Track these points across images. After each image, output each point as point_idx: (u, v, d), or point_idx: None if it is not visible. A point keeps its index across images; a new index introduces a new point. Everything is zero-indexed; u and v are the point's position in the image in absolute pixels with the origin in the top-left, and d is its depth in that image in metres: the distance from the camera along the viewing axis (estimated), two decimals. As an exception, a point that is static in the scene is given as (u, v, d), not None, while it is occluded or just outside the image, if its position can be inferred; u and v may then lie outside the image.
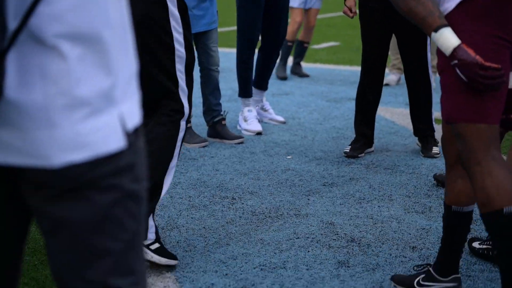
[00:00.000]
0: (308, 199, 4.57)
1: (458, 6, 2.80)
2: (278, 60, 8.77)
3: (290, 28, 8.57)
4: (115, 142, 1.54)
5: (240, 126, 6.32)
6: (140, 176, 1.61)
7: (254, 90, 6.54)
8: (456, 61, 2.73)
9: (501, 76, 2.73)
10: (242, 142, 5.90)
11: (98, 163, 1.53)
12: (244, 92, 6.37)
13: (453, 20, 2.80)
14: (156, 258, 3.56)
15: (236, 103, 7.10)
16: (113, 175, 1.55)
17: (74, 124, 1.50)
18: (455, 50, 2.72)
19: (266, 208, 4.42)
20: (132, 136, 1.58)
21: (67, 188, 1.53)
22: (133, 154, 1.58)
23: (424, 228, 4.07)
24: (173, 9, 3.49)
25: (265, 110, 6.61)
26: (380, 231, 4.04)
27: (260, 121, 6.49)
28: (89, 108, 1.51)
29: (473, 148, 2.85)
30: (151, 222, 3.57)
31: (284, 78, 8.67)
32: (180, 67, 3.53)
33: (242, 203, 4.48)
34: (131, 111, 1.58)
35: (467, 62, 2.71)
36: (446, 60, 2.80)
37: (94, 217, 1.55)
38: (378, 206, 4.44)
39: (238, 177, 5.01)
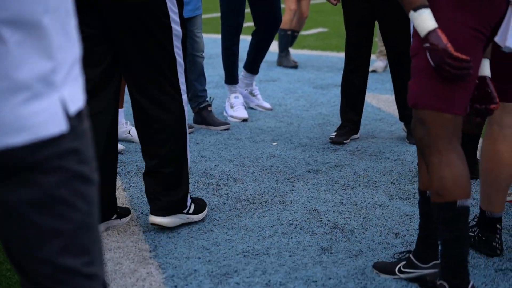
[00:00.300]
0: (293, 186, 4.57)
1: None
2: (278, 52, 8.77)
3: (287, 17, 8.56)
4: (56, 125, 1.56)
5: (226, 112, 6.31)
6: (87, 158, 1.63)
7: (244, 73, 6.54)
8: (428, 44, 2.73)
9: (468, 68, 2.73)
10: (228, 129, 5.90)
11: (39, 146, 1.55)
12: (230, 79, 6.37)
13: (434, 3, 2.79)
14: (196, 218, 3.97)
15: (223, 90, 7.09)
16: (57, 157, 1.58)
17: (14, 108, 1.52)
18: (430, 33, 2.72)
19: (250, 194, 4.42)
20: (74, 119, 1.60)
21: (10, 171, 1.56)
22: (76, 137, 1.60)
23: (407, 215, 4.09)
24: None
25: (254, 95, 6.61)
26: (363, 218, 4.05)
27: (247, 106, 6.49)
28: (29, 92, 1.53)
29: (436, 136, 2.85)
30: (188, 196, 3.91)
31: (295, 67, 8.63)
32: (177, 44, 3.72)
33: (227, 190, 4.48)
34: (73, 95, 1.60)
35: (437, 48, 2.71)
36: (420, 44, 2.79)
37: (40, 199, 1.58)
38: (362, 193, 4.45)
39: (223, 163, 5.01)
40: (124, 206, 4.17)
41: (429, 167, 2.90)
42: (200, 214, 3.99)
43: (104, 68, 3.70)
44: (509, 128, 3.50)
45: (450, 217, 2.89)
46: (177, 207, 3.87)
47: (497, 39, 2.92)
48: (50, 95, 1.55)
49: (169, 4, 3.66)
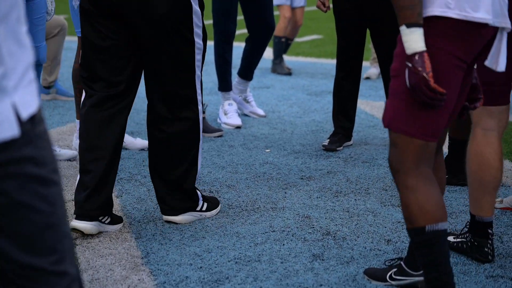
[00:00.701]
0: (285, 193, 4.58)
1: (432, 18, 2.73)
2: (272, 59, 8.78)
3: (281, 24, 8.59)
4: (8, 130, 1.59)
5: (220, 119, 6.32)
6: (44, 160, 1.66)
7: (238, 79, 6.55)
8: (410, 65, 2.67)
9: (442, 100, 2.69)
10: (221, 136, 5.90)
11: None
12: (224, 86, 6.38)
13: (424, 28, 2.73)
14: (209, 214, 4.14)
15: (217, 96, 7.10)
16: (12, 163, 1.61)
17: None
18: (416, 54, 2.66)
19: (243, 201, 4.43)
20: (27, 124, 1.63)
21: None
22: (30, 141, 1.63)
23: (399, 222, 4.09)
24: (195, 6, 3.84)
25: (248, 102, 6.62)
26: (355, 225, 4.06)
27: (240, 113, 6.50)
28: None
29: (404, 160, 2.82)
30: (198, 194, 4.11)
31: (289, 74, 8.64)
32: (199, 58, 3.92)
33: (219, 196, 4.48)
34: (25, 100, 1.63)
35: (417, 73, 2.65)
36: (402, 65, 2.73)
37: (1, 204, 1.62)
38: (355, 200, 4.46)
39: (216, 170, 5.02)
40: (116, 213, 4.17)
41: (398, 190, 2.89)
42: (214, 211, 4.17)
43: (131, 71, 3.88)
44: (492, 131, 3.53)
45: (422, 243, 2.86)
46: (186, 206, 4.04)
47: (487, 63, 2.89)
48: (1, 100, 1.58)
49: (195, 18, 3.84)
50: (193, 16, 3.83)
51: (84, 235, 3.84)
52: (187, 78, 3.91)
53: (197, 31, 3.87)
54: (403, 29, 2.69)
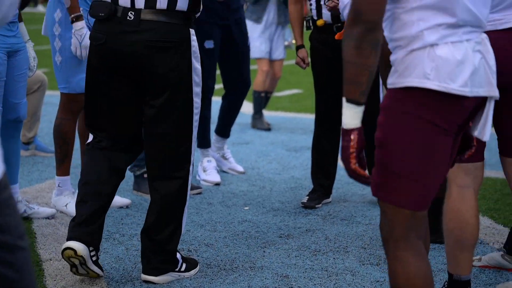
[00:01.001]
0: (264, 251, 4.57)
1: (410, 88, 2.69)
2: (252, 113, 8.80)
3: (260, 78, 8.62)
4: None
5: (199, 176, 6.32)
6: (8, 227, 1.66)
7: (216, 137, 6.57)
8: (343, 140, 2.67)
9: (366, 182, 2.67)
10: (200, 193, 5.89)
11: None
12: (203, 143, 6.39)
13: (402, 97, 2.72)
14: (188, 274, 4.12)
15: (196, 153, 7.10)
16: None
17: None
18: (348, 131, 2.64)
19: (221, 260, 4.41)
20: None
21: None
22: None
23: (378, 281, 4.09)
24: (196, 64, 3.91)
25: (226, 159, 6.63)
26: (334, 284, 4.05)
27: (219, 169, 6.50)
28: None
29: (393, 229, 2.78)
30: (178, 255, 4.11)
31: (268, 129, 8.65)
32: (196, 118, 3.98)
33: (198, 256, 4.47)
34: None
35: (343, 150, 2.65)
36: (385, 135, 2.73)
37: None
38: (333, 258, 4.45)
39: (194, 228, 5.01)
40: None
41: (386, 258, 2.85)
42: (192, 271, 4.15)
43: (135, 128, 4.00)
44: (468, 188, 3.56)
45: None
46: (167, 267, 4.04)
47: (476, 134, 2.87)
48: None
49: (194, 76, 3.89)
50: (193, 74, 3.89)
51: (76, 256, 3.85)
52: (184, 137, 3.96)
53: (196, 89, 3.92)
54: (343, 101, 2.67)
